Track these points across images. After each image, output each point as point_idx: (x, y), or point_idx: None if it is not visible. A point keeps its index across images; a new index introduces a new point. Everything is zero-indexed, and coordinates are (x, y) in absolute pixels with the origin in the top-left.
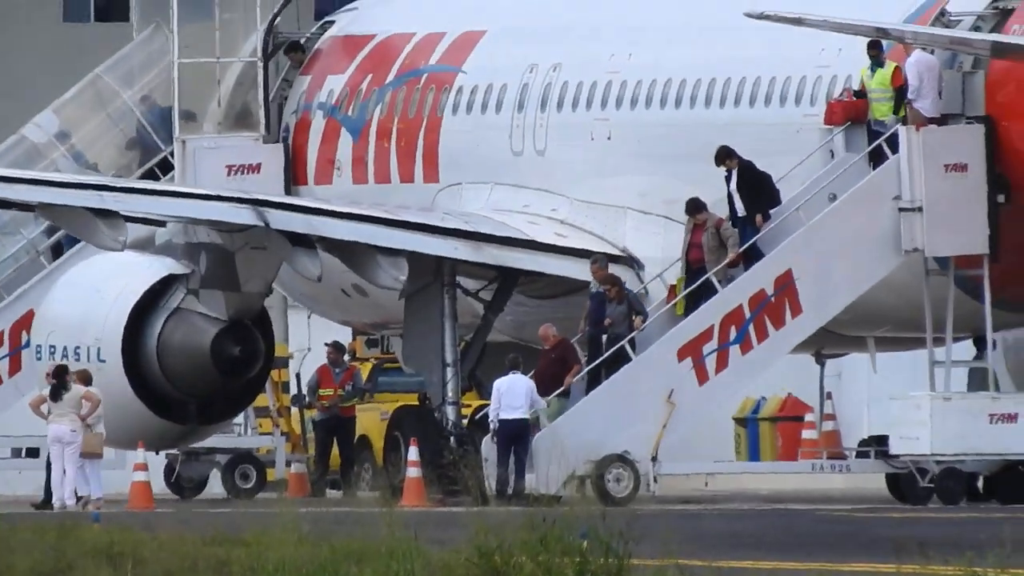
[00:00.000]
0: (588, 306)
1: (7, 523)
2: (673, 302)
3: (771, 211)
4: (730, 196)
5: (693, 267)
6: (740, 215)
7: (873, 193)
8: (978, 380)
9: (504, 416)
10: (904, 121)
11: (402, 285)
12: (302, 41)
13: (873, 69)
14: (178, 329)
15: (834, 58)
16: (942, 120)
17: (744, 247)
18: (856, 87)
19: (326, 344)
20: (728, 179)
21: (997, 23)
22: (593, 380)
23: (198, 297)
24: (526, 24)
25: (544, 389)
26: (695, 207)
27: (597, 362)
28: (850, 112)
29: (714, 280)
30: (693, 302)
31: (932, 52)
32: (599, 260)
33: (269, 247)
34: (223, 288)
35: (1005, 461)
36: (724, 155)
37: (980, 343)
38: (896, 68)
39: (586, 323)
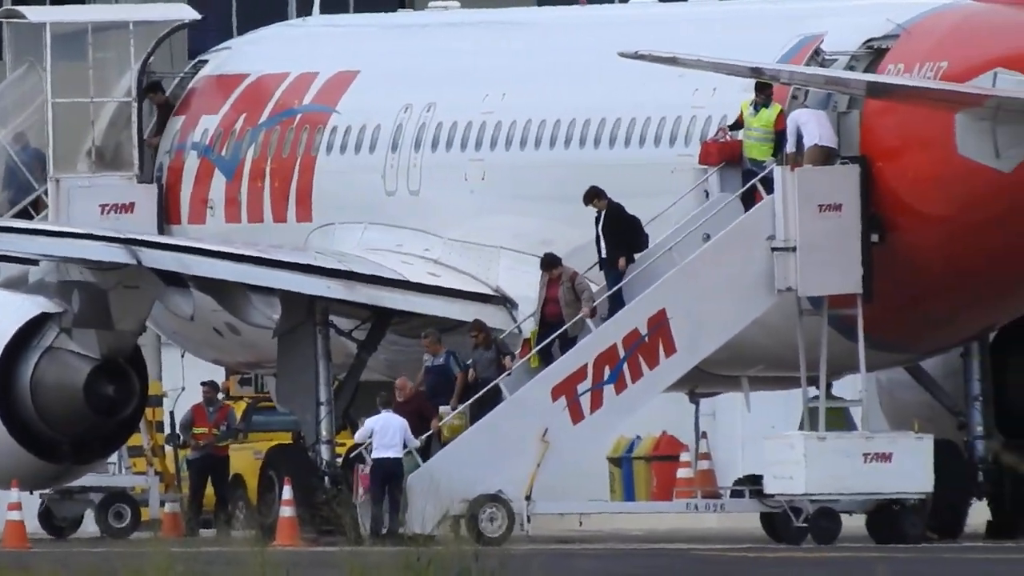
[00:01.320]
0: (424, 378)
1: None
2: (527, 357)
3: (639, 254)
4: (598, 237)
5: (549, 321)
6: (604, 257)
7: (747, 233)
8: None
9: (377, 455)
10: (780, 161)
11: (275, 324)
12: (175, 81)
13: (757, 108)
14: (51, 368)
15: (708, 98)
16: (833, 151)
17: (608, 293)
18: (731, 121)
19: (201, 383)
20: (598, 220)
21: (871, 63)
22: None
23: (71, 336)
24: (400, 65)
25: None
26: (550, 262)
27: (467, 404)
28: (725, 152)
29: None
30: (545, 357)
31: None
32: (430, 334)
33: (142, 286)
34: (96, 327)
35: (879, 501)
36: (593, 195)
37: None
38: (781, 111)
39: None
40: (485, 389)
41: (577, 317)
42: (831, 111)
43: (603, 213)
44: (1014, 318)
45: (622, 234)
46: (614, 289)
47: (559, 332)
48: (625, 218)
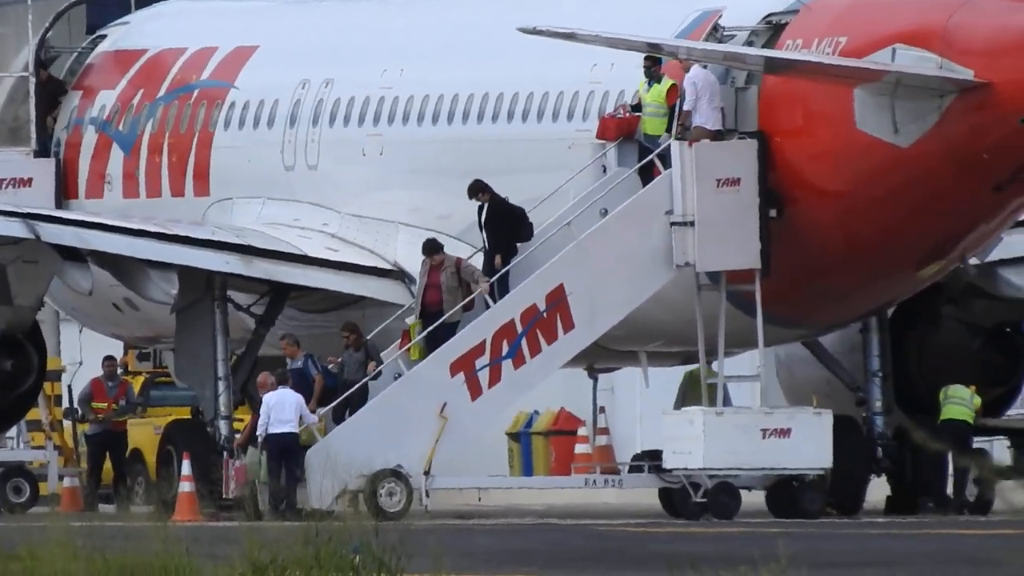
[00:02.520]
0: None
1: None
2: (406, 347)
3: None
4: (481, 229)
5: (431, 309)
6: (487, 248)
7: (645, 208)
8: (687, 397)
9: (273, 430)
10: (679, 137)
11: (173, 299)
12: (73, 56)
13: (650, 84)
14: None
15: (606, 74)
16: (716, 135)
17: (495, 278)
18: (632, 102)
19: (106, 358)
20: (480, 212)
21: (770, 38)
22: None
23: None
24: (298, 40)
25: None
26: (432, 248)
27: (335, 403)
28: (623, 128)
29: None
30: (430, 346)
31: (706, 67)
32: (287, 337)
33: (40, 260)
34: None
35: (778, 476)
36: (477, 189)
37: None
38: (673, 85)
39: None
40: (351, 390)
41: (475, 293)
42: (730, 86)
43: (486, 206)
44: (912, 294)
45: (506, 227)
46: (501, 272)
47: (438, 322)
48: (509, 211)
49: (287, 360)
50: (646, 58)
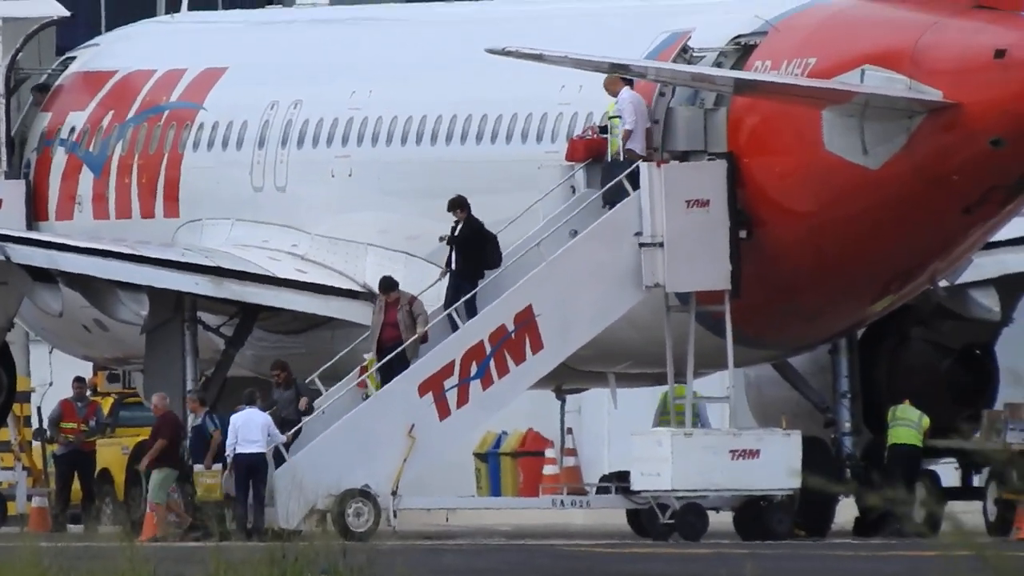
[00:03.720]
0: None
1: None
2: (363, 376)
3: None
4: (450, 244)
5: (386, 345)
6: (454, 268)
7: (614, 229)
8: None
9: (241, 450)
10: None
11: (143, 320)
12: (43, 77)
13: None
14: None
15: (575, 95)
16: (684, 156)
17: (456, 304)
18: (600, 124)
19: (76, 378)
20: (454, 229)
21: (739, 59)
22: None
23: None
24: (267, 61)
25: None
26: (387, 285)
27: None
28: (592, 149)
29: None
30: (385, 381)
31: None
32: (193, 393)
33: (10, 282)
34: None
35: (747, 497)
36: (457, 204)
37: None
38: None
39: (188, 456)
40: (293, 430)
41: (410, 340)
42: (698, 107)
43: (460, 224)
44: (881, 315)
45: (477, 249)
46: (467, 297)
47: (390, 356)
48: (482, 234)
49: (190, 415)
50: (618, 80)
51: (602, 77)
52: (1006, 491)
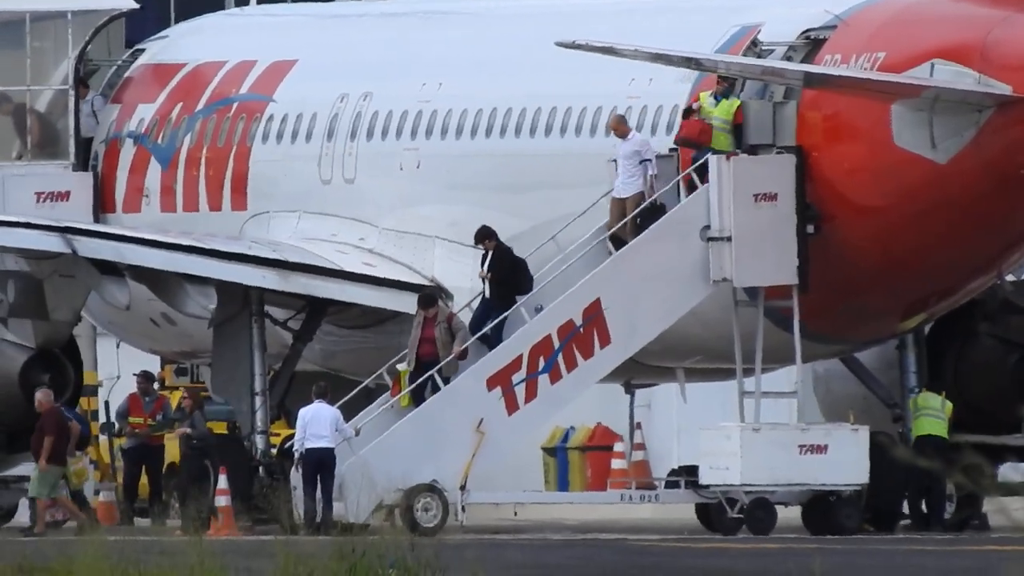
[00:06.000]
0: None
1: None
2: (398, 396)
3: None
4: (483, 275)
5: (424, 360)
6: (487, 295)
7: (682, 223)
8: None
9: (309, 445)
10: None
11: (211, 314)
12: (112, 70)
13: (718, 99)
14: None
15: (645, 88)
16: (752, 150)
17: (479, 333)
18: (682, 109)
19: (134, 374)
20: (484, 259)
21: (808, 53)
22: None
23: (6, 325)
24: (337, 54)
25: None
26: (427, 301)
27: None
28: (705, 132)
29: (437, 378)
30: (417, 399)
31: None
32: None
33: (77, 275)
34: (31, 316)
35: (815, 492)
36: (484, 235)
37: None
38: (740, 104)
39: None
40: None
41: (449, 358)
42: (768, 100)
43: (491, 253)
44: (950, 310)
45: (508, 275)
46: (497, 320)
47: (429, 373)
48: (512, 260)
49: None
50: (719, 76)
51: (671, 70)
52: None
